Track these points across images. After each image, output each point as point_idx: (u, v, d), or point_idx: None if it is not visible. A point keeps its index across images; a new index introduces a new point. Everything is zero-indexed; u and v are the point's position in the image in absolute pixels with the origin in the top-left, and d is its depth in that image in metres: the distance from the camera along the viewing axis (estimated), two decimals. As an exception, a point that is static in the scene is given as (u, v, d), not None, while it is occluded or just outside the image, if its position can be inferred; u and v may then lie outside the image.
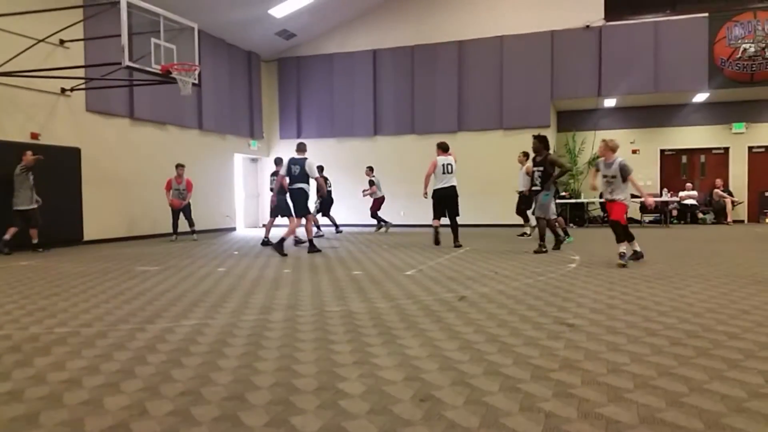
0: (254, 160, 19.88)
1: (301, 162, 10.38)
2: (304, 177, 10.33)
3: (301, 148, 10.65)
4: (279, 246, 9.92)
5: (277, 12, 16.85)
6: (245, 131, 19.00)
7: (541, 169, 9.97)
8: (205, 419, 2.70)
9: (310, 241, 10.57)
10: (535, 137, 10.16)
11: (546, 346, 3.86)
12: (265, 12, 16.66)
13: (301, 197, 10.35)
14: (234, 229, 18.24)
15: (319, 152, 19.02)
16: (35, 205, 10.99)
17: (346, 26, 19.07)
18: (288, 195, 10.71)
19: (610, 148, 7.99)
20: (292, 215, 10.56)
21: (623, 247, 7.86)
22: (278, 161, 12.53)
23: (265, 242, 11.93)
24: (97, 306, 5.54)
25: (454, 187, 10.72)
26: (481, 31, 17.71)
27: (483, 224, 16.56)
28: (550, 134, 17.61)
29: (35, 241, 11.16)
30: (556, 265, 8.08)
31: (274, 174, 12.53)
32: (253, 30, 17.62)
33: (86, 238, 13.06)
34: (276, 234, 11.70)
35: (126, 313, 5.20)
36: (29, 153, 10.91)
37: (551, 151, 10.52)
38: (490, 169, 17.02)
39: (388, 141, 18.80)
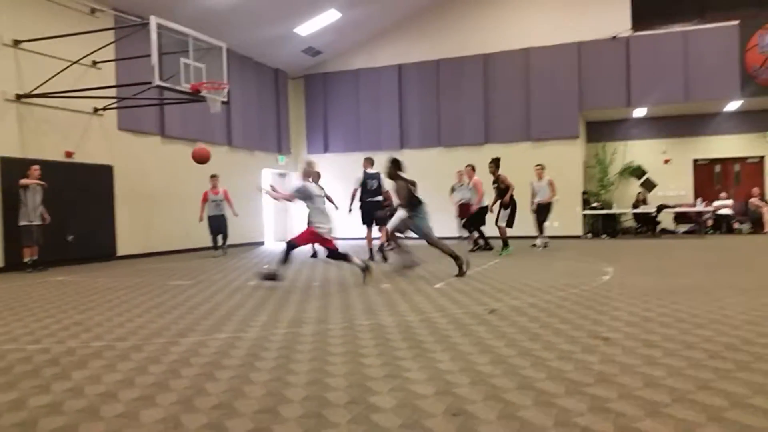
0: (282, 175, 20.07)
1: (378, 176, 11.40)
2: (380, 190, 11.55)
3: (371, 162, 11.65)
4: (381, 250, 11.17)
5: (303, 30, 17.09)
6: (273, 147, 19.22)
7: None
8: (238, 432, 2.71)
9: (371, 249, 11.33)
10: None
11: (580, 359, 3.80)
12: (291, 30, 16.91)
13: (378, 209, 11.47)
14: (263, 243, 18.40)
15: (347, 166, 19.11)
16: (39, 222, 10.72)
17: (371, 42, 19.23)
18: (363, 206, 11.49)
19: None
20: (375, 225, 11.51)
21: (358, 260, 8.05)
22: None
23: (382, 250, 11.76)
24: (132, 320, 5.63)
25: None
26: (507, 44, 17.69)
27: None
28: (580, 145, 17.47)
29: (35, 258, 10.78)
30: (589, 277, 7.97)
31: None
32: (279, 48, 17.88)
33: (119, 253, 13.30)
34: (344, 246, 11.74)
35: (160, 327, 5.27)
36: (34, 169, 10.73)
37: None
38: (518, 180, 16.83)
39: (414, 154, 18.79)
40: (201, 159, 11.01)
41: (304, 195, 7.89)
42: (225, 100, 11.93)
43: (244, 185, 17.62)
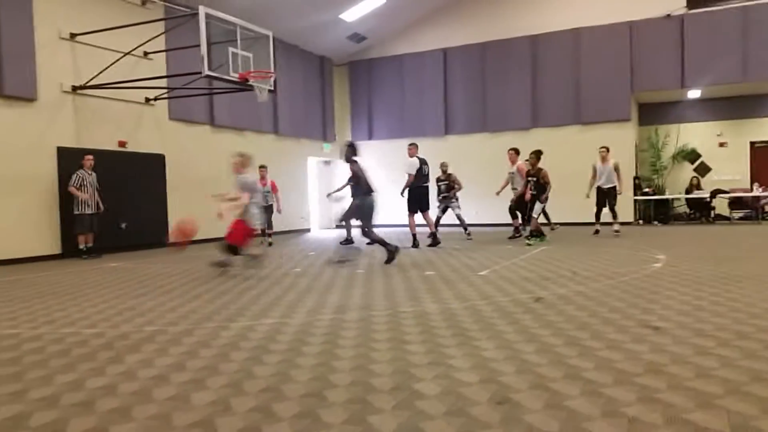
0: (327, 163, 20.22)
1: (426, 162, 11.73)
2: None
3: (417, 147, 11.86)
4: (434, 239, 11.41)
5: (348, 16, 17.08)
6: (318, 134, 19.36)
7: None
8: (285, 415, 2.77)
9: (414, 236, 11.45)
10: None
11: (629, 349, 3.72)
12: (337, 16, 16.93)
13: (427, 195, 11.75)
14: (308, 230, 18.61)
15: (391, 153, 19.10)
16: (93, 211, 11.03)
17: (416, 27, 19.08)
18: (414, 191, 11.61)
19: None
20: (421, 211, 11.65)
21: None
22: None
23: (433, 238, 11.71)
24: (182, 305, 5.79)
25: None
26: (556, 24, 17.27)
27: (559, 222, 16.14)
28: (631, 128, 16.98)
29: (89, 245, 11.15)
30: (639, 265, 7.78)
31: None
32: (325, 35, 17.93)
33: (172, 239, 13.65)
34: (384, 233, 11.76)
35: (209, 312, 5.42)
36: (87, 158, 11.08)
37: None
38: (567, 165, 16.53)
39: (459, 140, 18.65)
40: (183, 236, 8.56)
41: (248, 188, 7.70)
42: (272, 88, 12.07)
43: (291, 173, 17.85)
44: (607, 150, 12.85)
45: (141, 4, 12.84)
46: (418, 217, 11.71)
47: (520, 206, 12.35)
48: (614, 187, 12.70)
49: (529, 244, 11.08)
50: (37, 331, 4.79)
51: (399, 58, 19.39)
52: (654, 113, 18.17)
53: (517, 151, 12.73)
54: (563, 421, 2.61)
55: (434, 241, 11.41)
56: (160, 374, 3.49)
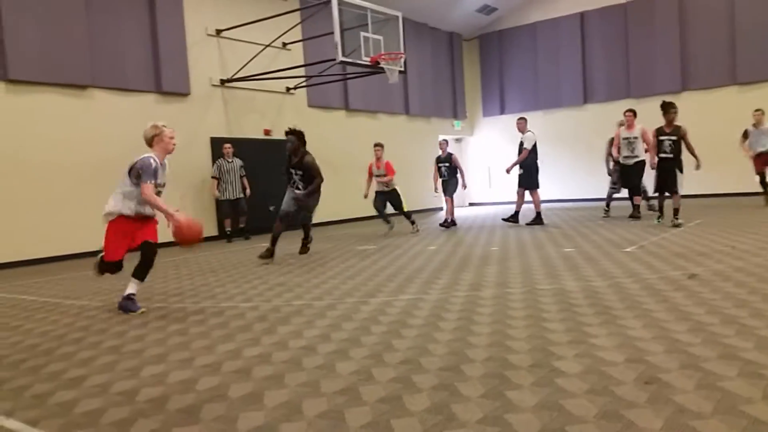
0: (458, 140, 20.10)
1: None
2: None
3: (526, 122, 11.39)
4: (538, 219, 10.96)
5: (478, -12, 16.75)
6: (449, 112, 19.28)
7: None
8: (424, 387, 2.85)
9: (539, 213, 11.07)
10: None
11: (797, 329, 3.38)
12: (466, -10, 16.67)
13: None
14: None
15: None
16: (237, 196, 11.73)
17: (550, -8, 18.25)
18: (531, 167, 11.15)
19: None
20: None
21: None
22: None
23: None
24: (326, 282, 6.11)
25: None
26: (707, -24, 15.73)
27: (714, 194, 14.83)
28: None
29: (241, 226, 11.98)
30: (809, 238, 6.98)
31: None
32: (454, 10, 17.73)
33: (313, 221, 14.35)
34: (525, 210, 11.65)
35: (350, 287, 5.66)
36: (226, 147, 11.71)
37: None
38: (722, 131, 15.07)
39: (599, 108, 17.65)
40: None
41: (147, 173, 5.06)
42: (402, 69, 12.19)
43: (422, 152, 17.95)
44: (763, 113, 11.49)
45: (278, -3, 13.50)
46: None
47: (631, 177, 10.58)
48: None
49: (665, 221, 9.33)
50: (199, 305, 5.30)
51: (532, 26, 18.69)
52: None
53: (635, 113, 10.75)
54: (717, 402, 2.44)
55: (538, 220, 10.99)
56: (309, 345, 3.73)
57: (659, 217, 9.59)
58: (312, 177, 8.28)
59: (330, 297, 5.28)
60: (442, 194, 11.89)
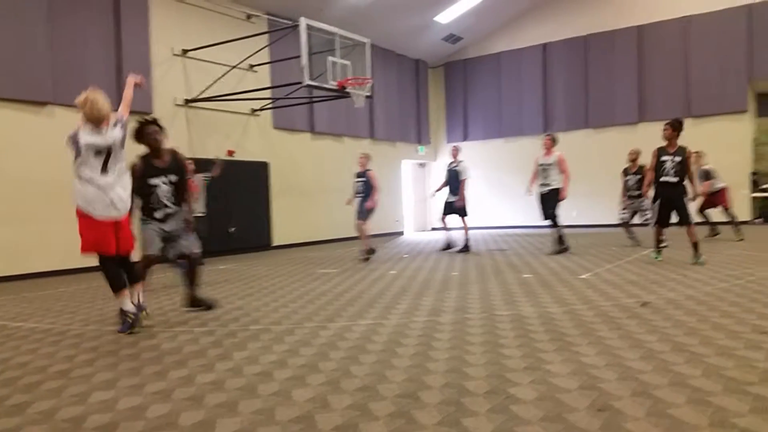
0: (422, 165, 20.30)
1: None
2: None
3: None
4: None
5: (443, 18, 17.09)
6: (413, 137, 19.49)
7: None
8: (381, 414, 2.83)
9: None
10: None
11: (742, 356, 3.48)
12: (432, 19, 16.99)
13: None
14: (402, 233, 18.76)
15: (486, 153, 18.92)
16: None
17: (514, 23, 18.72)
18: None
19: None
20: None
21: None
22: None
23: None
24: (285, 306, 6.04)
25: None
26: (664, 13, 16.38)
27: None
28: (749, 120, 15.76)
29: None
30: (756, 267, 7.22)
31: None
32: (420, 38, 18.04)
33: (275, 243, 14.27)
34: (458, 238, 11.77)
35: (310, 312, 5.61)
36: (188, 163, 11.43)
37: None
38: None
39: (560, 137, 18.06)
40: None
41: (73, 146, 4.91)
42: (369, 94, 12.30)
43: (386, 176, 18.04)
44: (700, 154, 11.34)
45: (246, 19, 13.53)
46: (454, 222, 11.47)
47: (545, 206, 10.00)
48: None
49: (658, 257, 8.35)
50: (153, 329, 5.17)
51: (496, 56, 19.13)
52: (776, 103, 16.77)
53: (553, 138, 10.28)
54: (667, 430, 2.49)
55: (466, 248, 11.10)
56: (264, 371, 3.67)
57: (658, 253, 8.34)
58: (186, 184, 5.73)
59: (288, 321, 5.22)
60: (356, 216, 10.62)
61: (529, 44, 18.45)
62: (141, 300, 5.18)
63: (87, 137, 4.87)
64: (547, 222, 10.13)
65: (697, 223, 10.55)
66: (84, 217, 4.86)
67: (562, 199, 9.89)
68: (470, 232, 11.48)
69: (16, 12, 9.74)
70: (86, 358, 4.21)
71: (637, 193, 10.39)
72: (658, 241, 8.31)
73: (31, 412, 3.09)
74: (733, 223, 11.48)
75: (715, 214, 11.83)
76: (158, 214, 5.53)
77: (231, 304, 6.28)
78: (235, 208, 13.12)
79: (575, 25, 17.69)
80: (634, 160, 10.68)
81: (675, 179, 7.64)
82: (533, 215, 12.47)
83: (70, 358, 4.23)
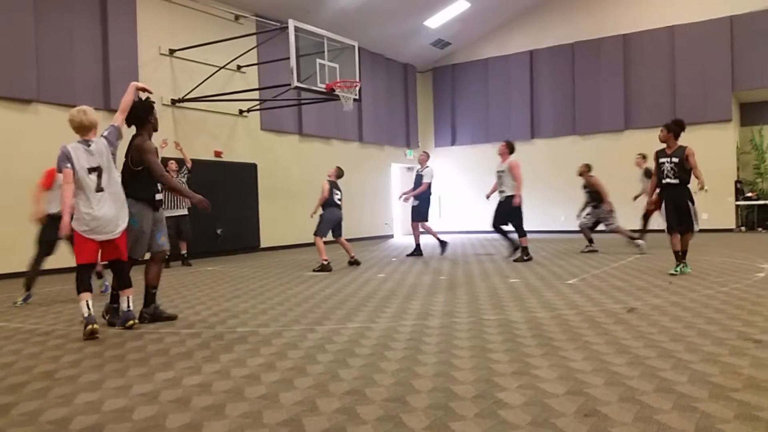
0: (410, 169, 20.33)
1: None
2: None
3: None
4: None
5: (432, 23, 17.16)
6: (401, 141, 19.54)
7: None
8: (369, 418, 2.83)
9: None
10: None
11: (728, 363, 3.52)
12: (421, 24, 17.05)
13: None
14: (392, 236, 18.78)
15: (474, 158, 18.99)
16: (185, 213, 10.79)
17: (502, 29, 18.86)
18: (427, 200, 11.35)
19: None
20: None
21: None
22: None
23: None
24: (273, 308, 6.02)
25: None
26: (649, 22, 16.59)
27: (658, 230, 15.41)
28: (732, 129, 15.99)
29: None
30: (741, 275, 7.31)
31: None
32: (409, 43, 18.11)
33: (262, 245, 14.22)
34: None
35: (298, 314, 5.60)
36: (171, 163, 10.84)
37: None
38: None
39: (546, 144, 18.24)
40: None
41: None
42: (357, 97, 12.32)
43: (374, 179, 18.09)
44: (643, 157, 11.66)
45: (234, 20, 13.49)
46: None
47: (497, 214, 9.96)
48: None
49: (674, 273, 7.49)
50: (139, 330, 5.13)
51: (484, 62, 19.25)
52: (758, 113, 17.03)
53: (508, 144, 10.11)
54: (654, 437, 2.51)
55: (417, 251, 11.26)
56: (252, 373, 3.65)
57: (683, 266, 7.50)
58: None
59: (276, 324, 5.20)
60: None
61: (517, 51, 18.60)
62: (130, 305, 5.15)
63: (80, 155, 4.91)
64: (493, 229, 10.14)
65: (637, 230, 11.25)
66: (74, 231, 4.93)
67: (516, 206, 9.63)
68: (451, 236, 11.59)
69: (1, 9, 9.65)
70: (72, 359, 4.16)
71: (594, 203, 11.22)
72: (677, 251, 7.47)
73: (15, 413, 3.05)
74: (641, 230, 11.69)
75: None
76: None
77: (218, 306, 6.25)
78: (222, 209, 13.05)
79: (562, 33, 17.85)
80: (582, 174, 11.43)
81: (675, 181, 7.37)
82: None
83: (56, 359, 4.18)
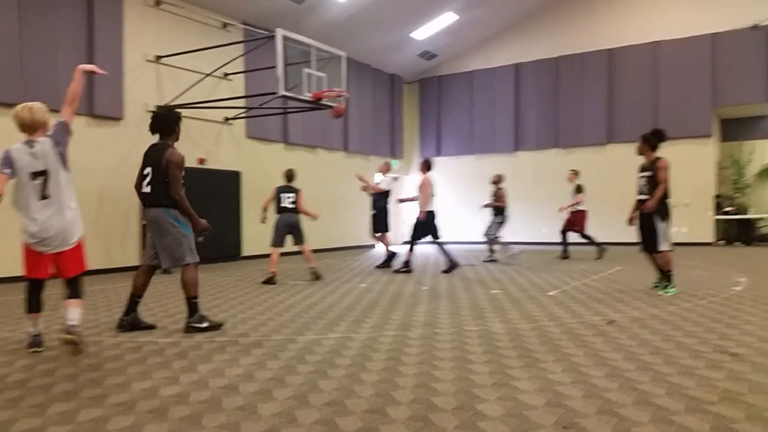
0: (395, 179, 20.34)
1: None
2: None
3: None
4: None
5: (419, 35, 17.27)
6: (387, 151, 19.55)
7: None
8: (349, 430, 2.81)
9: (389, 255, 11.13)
10: None
11: (704, 376, 3.55)
12: (408, 36, 17.15)
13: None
14: (374, 246, 18.75)
15: (458, 169, 19.06)
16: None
17: (488, 42, 19.00)
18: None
19: None
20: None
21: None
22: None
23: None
24: (253, 317, 5.97)
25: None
26: (633, 38, 16.81)
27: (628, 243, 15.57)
28: (713, 144, 16.22)
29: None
30: (718, 288, 7.40)
31: None
32: (396, 54, 18.19)
33: (244, 253, 14.12)
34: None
35: (278, 324, 5.56)
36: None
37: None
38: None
39: (530, 156, 18.37)
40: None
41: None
42: (343, 107, 12.31)
43: (359, 189, 18.06)
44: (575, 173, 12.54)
45: (222, 28, 13.46)
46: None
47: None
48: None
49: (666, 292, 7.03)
50: (116, 339, 5.06)
51: (469, 74, 19.37)
52: (737, 129, 17.29)
53: (425, 162, 10.62)
54: (631, 450, 2.52)
55: (387, 262, 11.15)
56: (230, 384, 3.62)
57: (666, 285, 7.02)
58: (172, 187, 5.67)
59: (256, 334, 5.16)
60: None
61: (502, 64, 18.74)
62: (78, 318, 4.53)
63: (22, 157, 4.40)
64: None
65: (557, 243, 11.91)
66: (22, 244, 4.53)
67: (419, 220, 10.13)
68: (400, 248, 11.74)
69: (-15, 12, 9.54)
70: (46, 367, 4.09)
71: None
72: (661, 270, 7.01)
73: (-14, 423, 2.99)
74: (593, 243, 12.23)
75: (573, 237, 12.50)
76: None
77: (198, 315, 6.17)
78: (204, 217, 12.92)
79: (547, 47, 18.02)
80: (495, 182, 12.33)
81: (646, 197, 6.95)
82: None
83: (29, 367, 4.11)
